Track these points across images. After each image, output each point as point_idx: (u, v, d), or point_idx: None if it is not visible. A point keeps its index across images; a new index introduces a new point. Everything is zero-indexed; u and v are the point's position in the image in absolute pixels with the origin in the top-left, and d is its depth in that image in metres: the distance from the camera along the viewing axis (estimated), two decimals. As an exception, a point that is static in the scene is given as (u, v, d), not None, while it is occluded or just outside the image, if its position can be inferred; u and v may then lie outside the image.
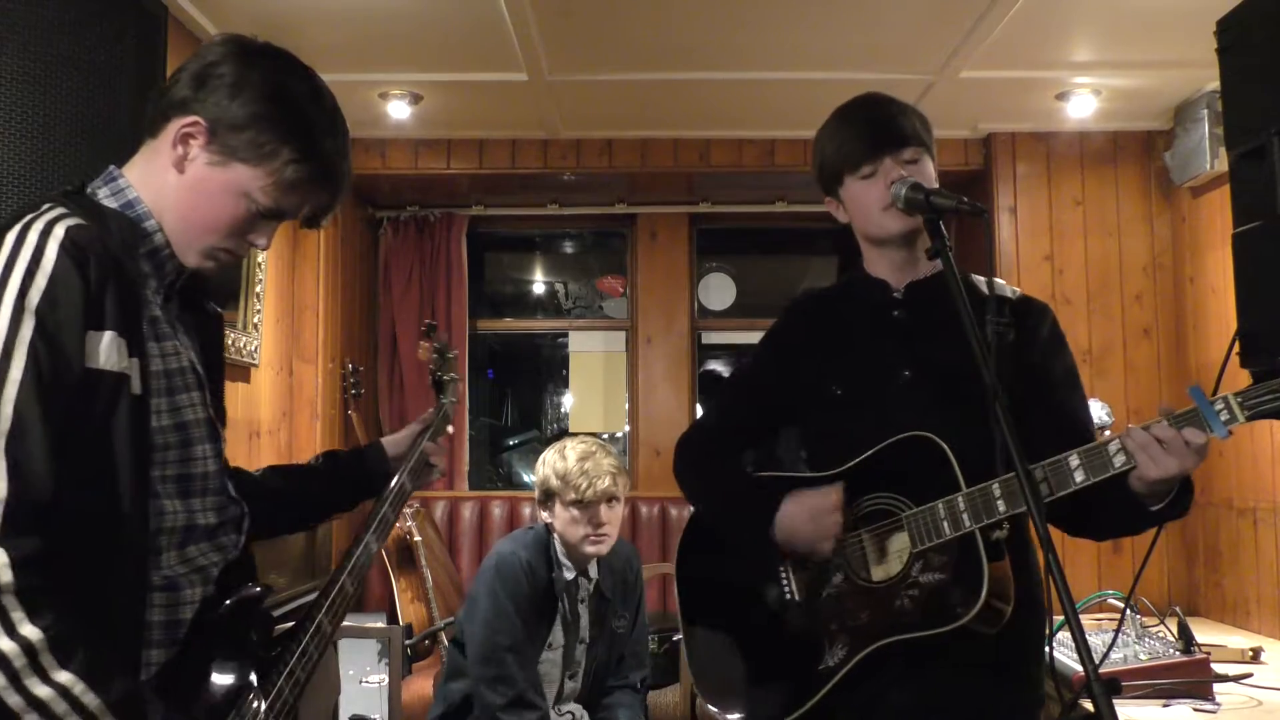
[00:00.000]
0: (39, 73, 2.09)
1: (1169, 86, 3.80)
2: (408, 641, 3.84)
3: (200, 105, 1.32)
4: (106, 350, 1.20)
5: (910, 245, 1.84)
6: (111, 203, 1.32)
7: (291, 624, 1.49)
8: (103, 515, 1.21)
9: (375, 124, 4.16)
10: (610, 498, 2.84)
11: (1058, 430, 1.68)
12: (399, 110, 3.97)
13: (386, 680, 3.22)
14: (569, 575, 2.88)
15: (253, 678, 1.35)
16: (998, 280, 1.84)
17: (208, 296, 1.50)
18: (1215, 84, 3.19)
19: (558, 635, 2.88)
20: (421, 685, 3.67)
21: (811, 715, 1.76)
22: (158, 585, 1.28)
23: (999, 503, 1.61)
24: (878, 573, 1.74)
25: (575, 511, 2.81)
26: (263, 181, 1.33)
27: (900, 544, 1.72)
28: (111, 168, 1.36)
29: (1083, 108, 3.95)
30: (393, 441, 1.81)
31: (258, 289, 3.82)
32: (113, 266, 1.22)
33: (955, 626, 1.61)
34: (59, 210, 1.24)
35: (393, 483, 1.72)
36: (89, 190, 1.34)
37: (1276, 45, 2.05)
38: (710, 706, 1.95)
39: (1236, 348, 1.95)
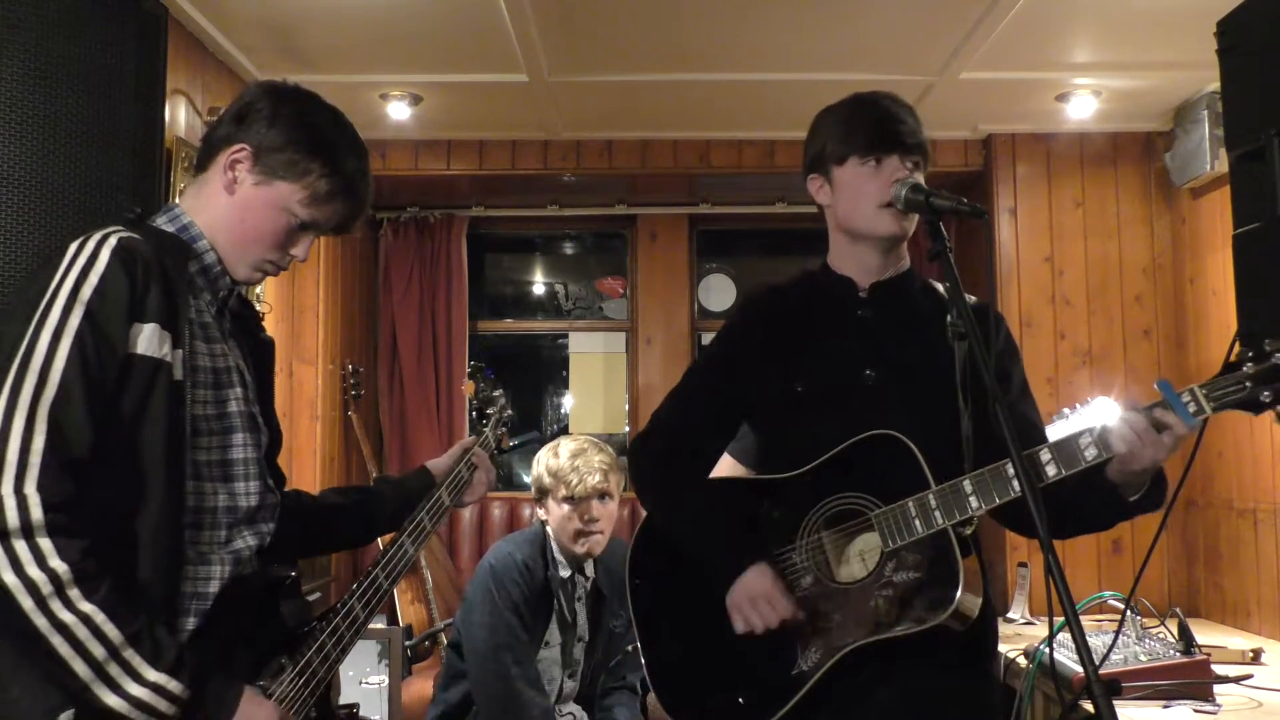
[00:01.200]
0: (40, 73, 2.09)
1: (1169, 87, 3.80)
2: (407, 643, 3.83)
3: (244, 135, 1.54)
4: (147, 339, 1.39)
5: (888, 250, 1.84)
6: (169, 228, 1.54)
7: (316, 615, 1.62)
8: (137, 481, 1.37)
9: (375, 125, 4.16)
10: (601, 494, 2.84)
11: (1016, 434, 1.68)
12: (399, 111, 3.97)
13: (386, 681, 3.23)
14: (565, 573, 2.89)
15: (281, 645, 1.52)
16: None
17: (261, 325, 1.72)
18: (1215, 85, 3.20)
19: (554, 633, 2.89)
20: (421, 686, 3.67)
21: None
22: (191, 559, 1.43)
23: (970, 499, 1.61)
24: (848, 573, 1.73)
25: (567, 507, 2.83)
26: (299, 195, 1.55)
27: (870, 544, 1.71)
28: (170, 202, 1.61)
29: (1083, 109, 3.95)
30: (436, 463, 1.99)
31: (258, 290, 3.81)
32: (158, 272, 1.42)
33: (934, 624, 1.61)
34: (116, 227, 1.45)
35: (432, 494, 1.89)
36: (151, 220, 1.55)
37: (1276, 46, 2.05)
38: None
39: (1236, 349, 1.95)
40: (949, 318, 1.65)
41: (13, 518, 1.25)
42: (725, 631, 1.81)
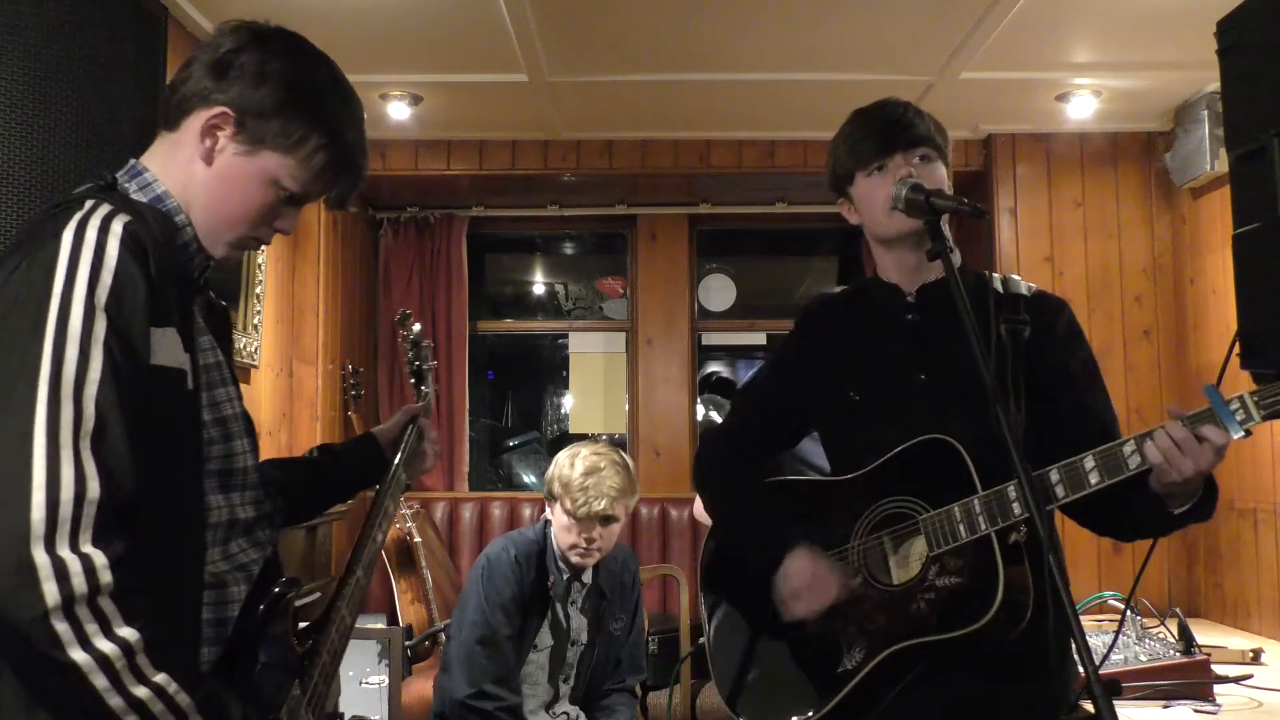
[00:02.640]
0: (40, 73, 2.09)
1: (1169, 87, 3.80)
2: (408, 643, 3.83)
3: (224, 95, 1.31)
4: (169, 347, 1.21)
5: (921, 246, 1.83)
6: (141, 197, 1.31)
7: (314, 618, 1.53)
8: (167, 513, 1.22)
9: (375, 125, 4.15)
10: (606, 519, 2.82)
11: (1080, 426, 1.68)
12: (399, 111, 3.97)
13: (386, 681, 3.23)
14: (564, 578, 2.89)
15: (289, 668, 1.40)
16: (1013, 277, 1.85)
17: (246, 299, 1.50)
18: (1215, 85, 3.19)
19: (545, 637, 2.89)
20: (421, 686, 3.67)
21: (831, 719, 1.76)
22: (207, 583, 1.29)
23: (1014, 505, 1.60)
24: (896, 576, 1.74)
25: (569, 520, 2.82)
26: (292, 168, 1.34)
27: (918, 547, 1.72)
28: (133, 161, 1.35)
29: (1083, 109, 3.95)
30: (381, 432, 1.83)
31: (257, 290, 3.81)
32: (168, 263, 1.24)
33: (970, 631, 1.61)
34: (108, 206, 1.22)
35: (389, 474, 1.75)
36: (118, 186, 1.32)
37: (1276, 46, 2.05)
38: (738, 715, 1.94)
39: (1237, 349, 1.95)
40: (1001, 316, 1.65)
41: (79, 583, 1.07)
42: (779, 628, 1.85)
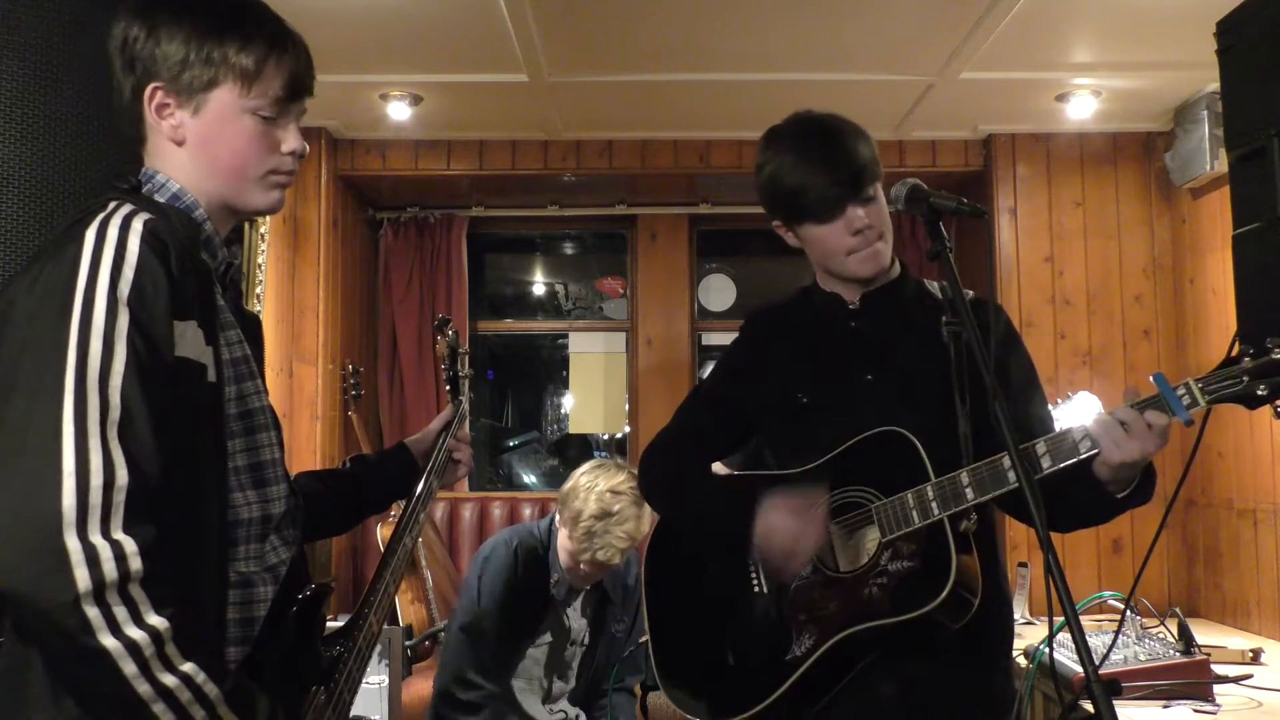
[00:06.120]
0: (40, 74, 2.08)
1: (1169, 87, 3.80)
2: (408, 643, 3.83)
3: (146, 77, 1.32)
4: (191, 339, 1.23)
5: (867, 284, 1.86)
6: (160, 198, 1.33)
7: (343, 622, 1.53)
8: (189, 506, 1.23)
9: (375, 125, 4.16)
10: (606, 565, 2.80)
11: (1018, 426, 1.69)
12: (399, 111, 3.97)
13: (386, 681, 3.23)
14: (566, 577, 2.88)
15: (316, 673, 1.41)
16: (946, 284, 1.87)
17: (246, 299, 1.50)
18: (1215, 85, 3.19)
19: (545, 633, 2.89)
20: (421, 686, 3.67)
21: (779, 706, 1.76)
22: (233, 583, 1.30)
23: (967, 491, 1.63)
24: (847, 563, 1.76)
25: (571, 547, 2.80)
26: (240, 89, 1.33)
27: (870, 535, 1.74)
28: (146, 167, 1.37)
29: (1083, 109, 3.95)
30: (415, 441, 1.85)
31: (258, 290, 3.82)
32: (189, 257, 1.26)
33: (921, 614, 1.63)
34: (130, 206, 1.25)
35: (420, 483, 1.77)
36: (142, 189, 1.35)
37: (1276, 46, 2.05)
38: (680, 707, 1.93)
39: (1236, 349, 1.95)
40: (944, 318, 1.68)
41: (110, 569, 1.07)
42: (725, 620, 1.86)
